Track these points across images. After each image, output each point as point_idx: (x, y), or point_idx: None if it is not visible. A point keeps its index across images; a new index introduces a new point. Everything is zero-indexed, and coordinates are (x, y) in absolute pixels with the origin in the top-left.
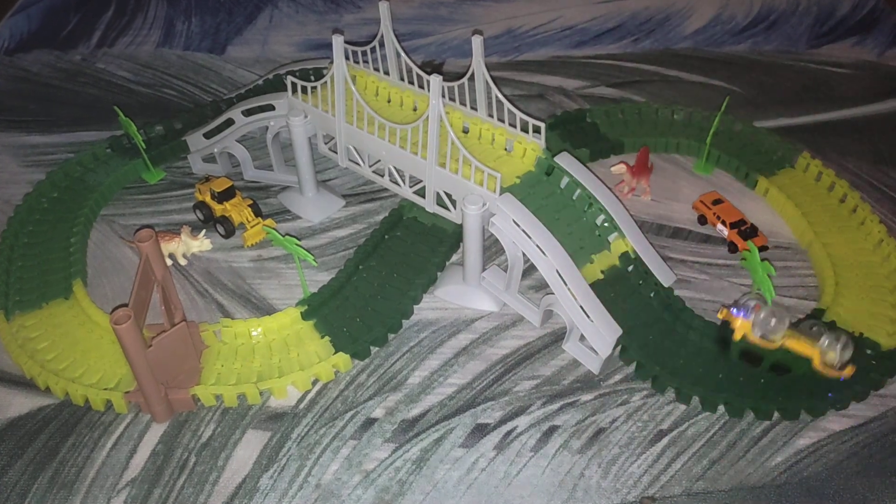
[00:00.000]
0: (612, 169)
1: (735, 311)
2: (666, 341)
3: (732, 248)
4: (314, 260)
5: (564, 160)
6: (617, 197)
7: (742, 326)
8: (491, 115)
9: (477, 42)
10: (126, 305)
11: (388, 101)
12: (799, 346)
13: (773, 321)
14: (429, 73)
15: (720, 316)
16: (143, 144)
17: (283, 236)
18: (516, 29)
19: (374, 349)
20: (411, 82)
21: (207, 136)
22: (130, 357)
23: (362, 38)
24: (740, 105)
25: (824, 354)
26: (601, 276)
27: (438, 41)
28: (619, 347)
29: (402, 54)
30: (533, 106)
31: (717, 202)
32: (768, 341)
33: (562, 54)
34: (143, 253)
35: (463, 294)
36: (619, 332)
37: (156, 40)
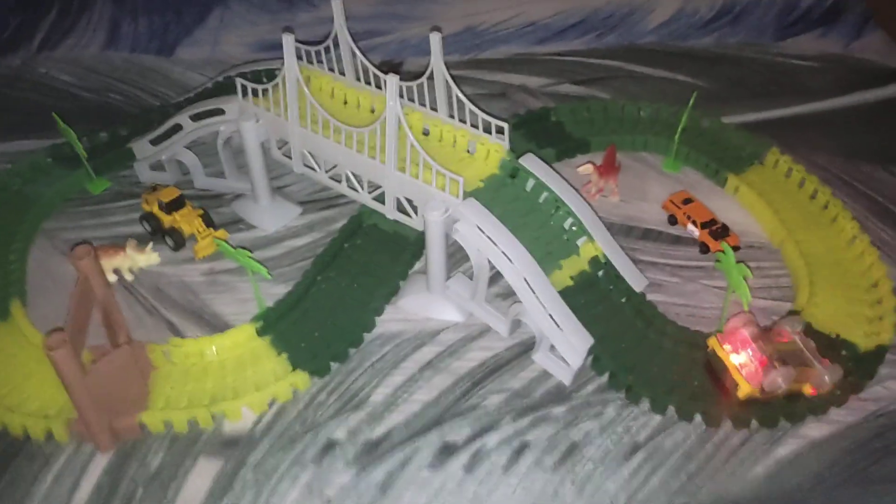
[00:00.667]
0: (579, 169)
1: (735, 357)
2: (639, 349)
3: (704, 248)
4: (268, 273)
5: (530, 162)
6: (585, 199)
7: (747, 389)
8: (452, 116)
9: (435, 39)
10: (62, 329)
11: (345, 103)
12: (798, 385)
13: (781, 381)
14: (386, 73)
15: (710, 344)
16: (84, 153)
17: (235, 248)
18: (476, 26)
19: (334, 365)
20: (368, 82)
21: (154, 142)
22: (68, 384)
23: (318, 37)
24: (707, 100)
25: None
26: (570, 283)
27: (397, 39)
28: (590, 357)
29: (358, 53)
30: (495, 105)
31: (687, 201)
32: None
33: (524, 51)
34: (81, 271)
35: (427, 304)
36: (591, 341)
37: (101, 42)
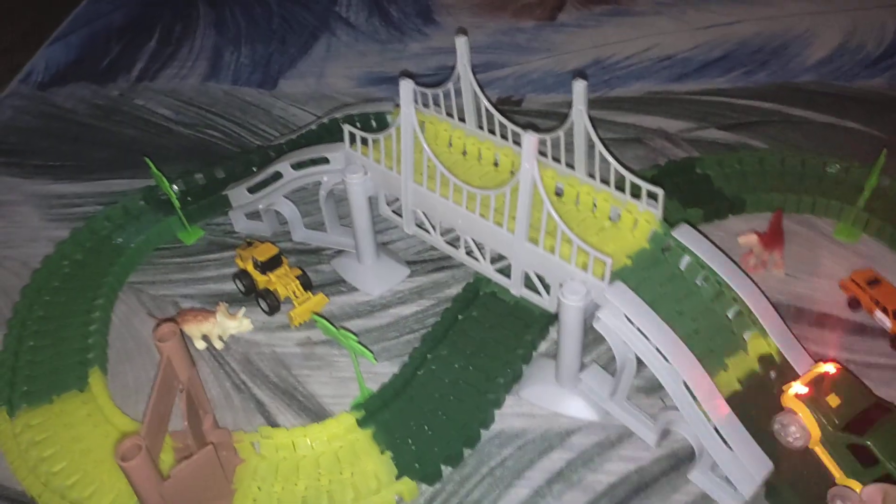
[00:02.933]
0: (741, 240)
1: None
2: (824, 478)
3: None
4: (374, 358)
5: (685, 234)
6: (751, 278)
7: None
8: (592, 175)
9: (579, 88)
10: (137, 434)
11: (464, 154)
12: None
13: None
14: (508, 113)
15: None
16: (177, 203)
17: (338, 328)
18: (605, 59)
19: (445, 470)
20: (491, 130)
21: (252, 190)
22: (142, 496)
23: (430, 69)
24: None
25: None
26: (739, 388)
27: (515, 73)
28: (765, 486)
29: (483, 98)
30: (629, 152)
31: (873, 283)
32: None
33: (660, 89)
34: (163, 354)
35: (555, 398)
36: (770, 466)
37: (202, 73)
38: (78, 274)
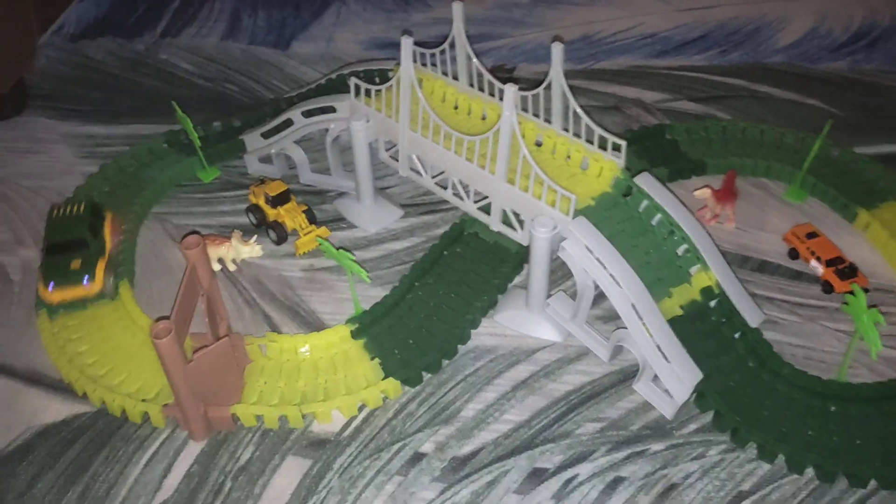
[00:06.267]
0: (696, 193)
1: None
2: (749, 389)
3: (827, 288)
4: (367, 276)
5: (645, 181)
6: (700, 222)
7: None
8: (567, 129)
9: (557, 50)
10: (168, 317)
11: (455, 108)
12: None
13: None
14: (501, 80)
15: None
16: (198, 142)
17: (337, 249)
18: (593, 35)
19: (426, 376)
20: (481, 88)
21: (265, 135)
22: (169, 373)
23: (431, 38)
24: (838, 128)
25: None
26: (680, 313)
27: (510, 45)
28: (695, 393)
29: (474, 58)
30: (608, 118)
31: (811, 235)
32: None
33: (641, 64)
34: (189, 260)
35: (525, 321)
36: (700, 375)
37: (221, 32)
38: (107, 204)
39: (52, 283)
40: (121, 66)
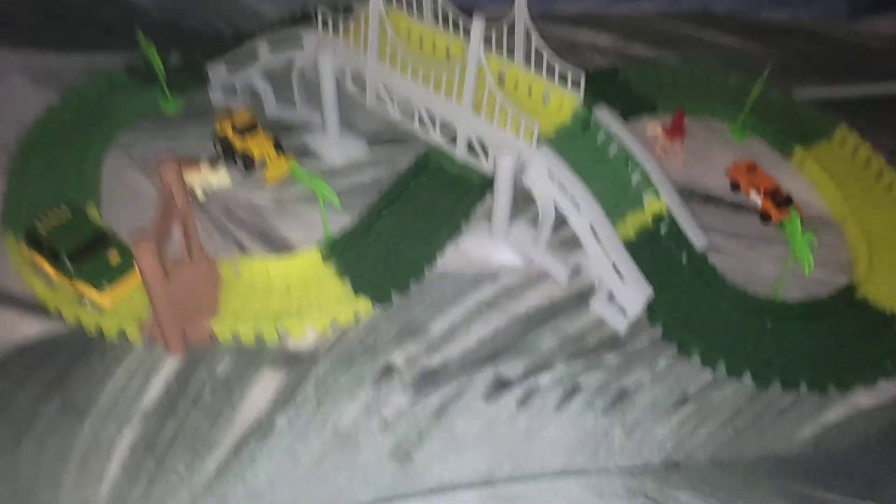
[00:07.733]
0: (648, 131)
1: None
2: (695, 307)
3: (765, 217)
4: (339, 202)
5: (603, 114)
6: (652, 153)
7: None
8: (528, 64)
9: None
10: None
11: (420, 44)
12: None
13: None
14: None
15: None
16: (162, 71)
17: (310, 177)
18: None
19: (395, 296)
20: (446, 25)
21: (230, 68)
22: (149, 282)
23: None
24: (778, 72)
25: None
26: (633, 237)
27: None
28: (646, 309)
29: None
30: (565, 61)
31: (751, 169)
32: None
33: (597, 11)
34: (164, 181)
35: (488, 247)
36: (650, 292)
37: None
38: (69, 132)
39: (104, 285)
40: None
